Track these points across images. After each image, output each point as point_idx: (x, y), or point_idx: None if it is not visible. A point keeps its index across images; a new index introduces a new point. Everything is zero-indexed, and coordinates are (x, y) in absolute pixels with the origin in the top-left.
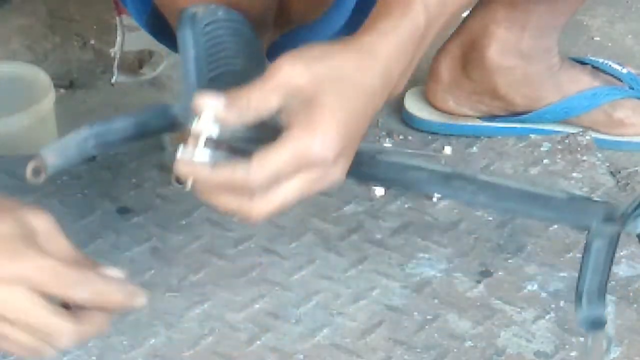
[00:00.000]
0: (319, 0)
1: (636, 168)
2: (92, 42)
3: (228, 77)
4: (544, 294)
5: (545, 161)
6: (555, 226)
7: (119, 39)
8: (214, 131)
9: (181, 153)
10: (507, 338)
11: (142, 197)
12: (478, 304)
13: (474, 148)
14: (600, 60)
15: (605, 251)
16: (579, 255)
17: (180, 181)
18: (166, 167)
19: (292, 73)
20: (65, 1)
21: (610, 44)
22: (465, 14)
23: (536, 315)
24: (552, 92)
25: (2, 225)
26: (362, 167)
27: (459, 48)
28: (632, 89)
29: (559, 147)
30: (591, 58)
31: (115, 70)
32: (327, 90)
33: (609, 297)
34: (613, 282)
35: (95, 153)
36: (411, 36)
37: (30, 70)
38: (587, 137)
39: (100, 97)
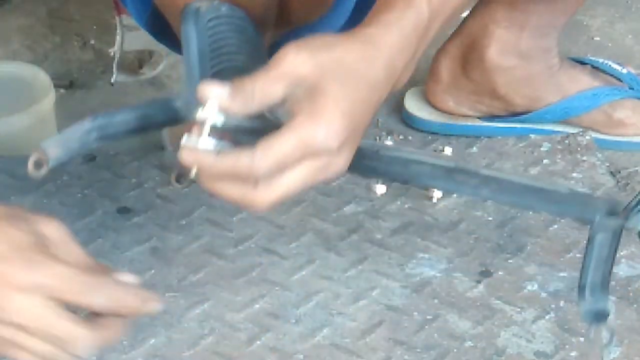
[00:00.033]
0: (319, 1)
1: (636, 168)
2: (92, 42)
3: (230, 73)
4: (544, 294)
5: (545, 161)
6: (555, 226)
7: (118, 38)
8: (218, 120)
9: (185, 141)
10: (507, 338)
11: (142, 197)
12: (478, 304)
13: (474, 148)
14: (600, 60)
15: (608, 245)
16: (579, 255)
17: (179, 181)
18: (166, 167)
19: (297, 62)
20: (65, 1)
21: (610, 44)
22: (465, 14)
23: (536, 315)
24: (552, 92)
25: (17, 234)
26: (365, 161)
27: (458, 48)
28: (632, 89)
29: (559, 147)
30: (591, 58)
31: (114, 70)
32: (331, 80)
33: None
34: (613, 282)
35: (98, 145)
36: (415, 28)
37: (30, 70)
38: (587, 137)
39: (100, 97)
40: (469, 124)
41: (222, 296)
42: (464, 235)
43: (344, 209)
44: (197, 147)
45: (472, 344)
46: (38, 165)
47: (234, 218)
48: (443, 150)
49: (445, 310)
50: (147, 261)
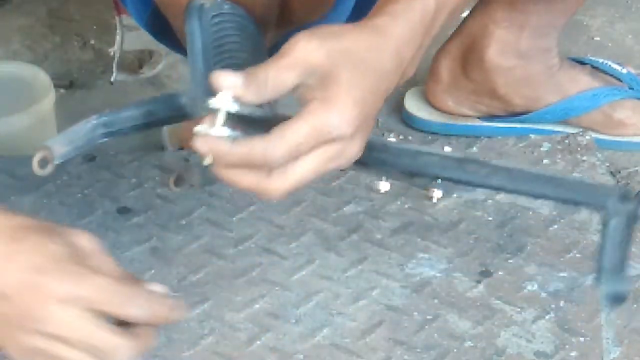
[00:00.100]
0: (320, 1)
1: (636, 168)
2: (92, 42)
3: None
4: (544, 294)
5: (545, 161)
6: (555, 226)
7: (118, 38)
8: (232, 109)
9: (200, 129)
10: (507, 338)
11: (142, 197)
12: (478, 304)
13: (474, 148)
14: (600, 60)
15: (622, 229)
16: (579, 256)
17: (178, 185)
18: (166, 167)
19: (308, 50)
20: (65, 1)
21: (610, 44)
22: (465, 14)
23: (536, 315)
24: (551, 92)
25: (53, 246)
26: (373, 153)
27: (458, 48)
28: (632, 89)
29: (559, 147)
30: (591, 58)
31: (114, 69)
32: (343, 68)
33: None
34: None
35: (104, 141)
36: (422, 19)
37: (30, 70)
38: (587, 137)
39: (100, 97)
40: (469, 124)
41: (222, 296)
42: (464, 235)
43: (344, 209)
44: (212, 135)
45: (472, 344)
46: (43, 163)
47: (234, 218)
48: (443, 150)
49: (445, 310)
50: (147, 261)
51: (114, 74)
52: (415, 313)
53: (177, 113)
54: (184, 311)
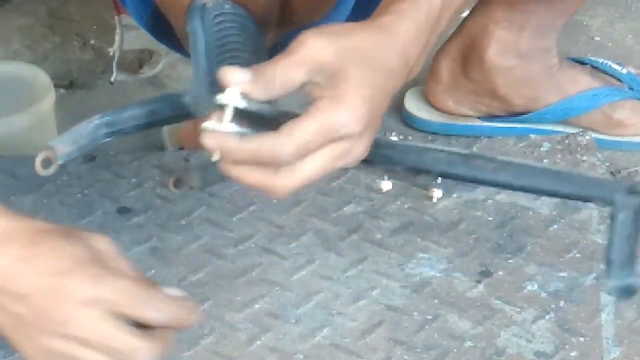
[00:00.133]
0: (322, 1)
1: (636, 168)
2: (92, 42)
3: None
4: (544, 294)
5: (545, 161)
6: (555, 226)
7: (118, 38)
8: (240, 105)
9: (208, 125)
10: (507, 338)
11: (142, 197)
12: (478, 304)
13: (474, 148)
14: (600, 61)
15: (630, 222)
16: (579, 256)
17: (177, 186)
18: (166, 167)
19: (317, 48)
20: (65, 1)
21: (610, 44)
22: (465, 14)
23: (536, 315)
24: (551, 92)
25: (75, 249)
26: (380, 150)
27: (458, 48)
28: (632, 89)
29: (559, 147)
30: (591, 58)
31: (114, 69)
32: (351, 66)
33: (608, 297)
34: None
35: (107, 140)
36: (427, 18)
37: (30, 70)
38: (587, 137)
39: (100, 97)
40: (469, 124)
41: (222, 296)
42: (464, 235)
43: (344, 209)
44: (221, 131)
45: (472, 344)
46: (46, 163)
47: (234, 218)
48: None
49: (445, 310)
50: (147, 261)
51: (114, 74)
52: (415, 313)
53: (180, 112)
54: (199, 314)
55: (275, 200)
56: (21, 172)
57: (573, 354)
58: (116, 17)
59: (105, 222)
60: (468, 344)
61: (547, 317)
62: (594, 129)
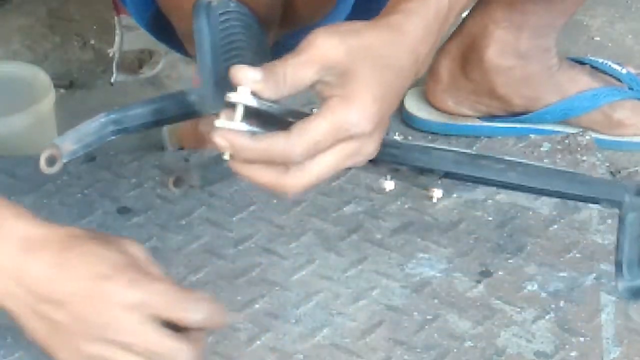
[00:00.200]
0: (324, 1)
1: (636, 168)
2: (92, 42)
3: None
4: (544, 294)
5: (545, 161)
6: (555, 226)
7: (117, 38)
8: (251, 104)
9: (219, 124)
10: (507, 338)
11: (142, 197)
12: (478, 304)
13: (474, 148)
14: (600, 61)
15: (639, 223)
16: (579, 256)
17: (177, 185)
18: (166, 167)
19: (327, 47)
20: (65, 1)
21: (610, 44)
22: (464, 14)
23: (536, 315)
24: (551, 92)
25: (112, 254)
26: (386, 149)
27: (458, 48)
28: (632, 89)
29: (559, 147)
30: (591, 58)
31: (114, 70)
32: (361, 65)
33: (608, 297)
34: (613, 283)
35: (113, 138)
36: (436, 17)
37: (30, 70)
38: (587, 137)
39: (100, 97)
40: (469, 124)
41: (222, 296)
42: (464, 235)
43: (344, 209)
44: (232, 129)
45: (472, 344)
46: (51, 161)
47: (234, 218)
48: None
49: (445, 310)
50: None
51: (114, 75)
52: (415, 313)
53: (186, 111)
54: (234, 315)
55: (275, 200)
56: (21, 172)
57: (573, 354)
58: (115, 18)
59: (105, 222)
60: (468, 344)
61: (547, 317)
62: (594, 129)
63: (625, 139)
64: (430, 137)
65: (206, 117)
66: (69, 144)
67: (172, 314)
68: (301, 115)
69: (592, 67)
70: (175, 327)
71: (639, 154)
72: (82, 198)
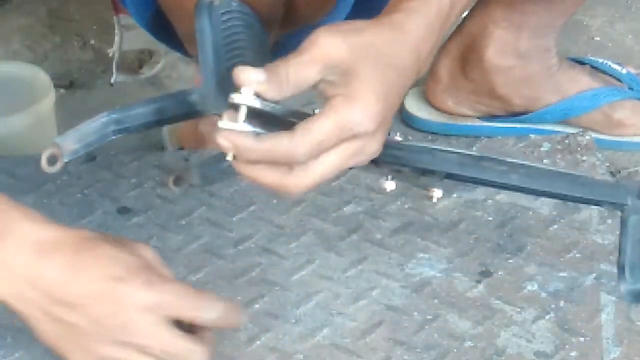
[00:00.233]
0: (325, 1)
1: (636, 168)
2: (92, 42)
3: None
4: (544, 294)
5: (545, 161)
6: (555, 226)
7: (117, 38)
8: (255, 105)
9: (222, 125)
10: (507, 338)
11: (142, 197)
12: (478, 304)
13: (474, 148)
14: (600, 61)
15: None
16: (579, 256)
17: (177, 184)
18: (166, 167)
19: (329, 46)
20: (65, 1)
21: (610, 44)
22: (464, 14)
23: (536, 315)
24: (551, 92)
25: (127, 257)
26: (389, 150)
27: (458, 48)
28: (632, 89)
29: (559, 147)
30: (591, 58)
31: (114, 70)
32: (364, 63)
33: (608, 297)
34: (613, 283)
35: (114, 138)
36: (437, 16)
37: (30, 70)
38: (587, 137)
39: (100, 97)
40: (469, 124)
41: (222, 296)
42: (464, 235)
43: (344, 209)
44: (236, 130)
45: (472, 344)
46: (52, 160)
47: (234, 218)
48: None
49: (445, 310)
50: None
51: (114, 76)
52: (415, 313)
53: (188, 110)
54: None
55: (275, 200)
56: (21, 172)
57: (573, 354)
58: (115, 18)
59: (105, 222)
60: (468, 344)
61: (547, 317)
62: (593, 129)
63: (625, 139)
64: (430, 137)
65: (206, 117)
66: (70, 143)
67: (186, 313)
68: (303, 116)
69: (592, 67)
70: (183, 328)
71: (639, 154)
72: (82, 198)
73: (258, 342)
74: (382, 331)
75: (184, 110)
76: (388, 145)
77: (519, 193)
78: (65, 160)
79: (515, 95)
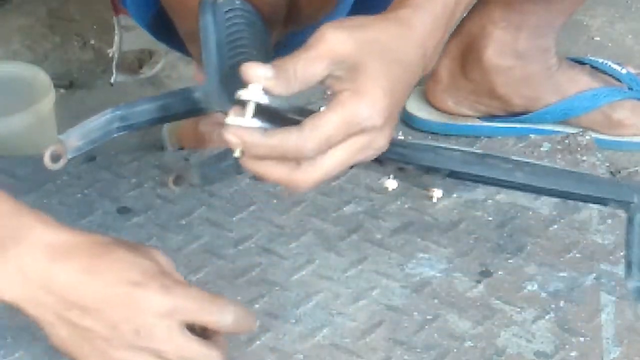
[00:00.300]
0: (326, 1)
1: (636, 168)
2: (92, 42)
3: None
4: (544, 294)
5: (545, 161)
6: (555, 226)
7: (116, 39)
8: (262, 101)
9: (230, 120)
10: (507, 338)
11: (142, 197)
12: (478, 304)
13: (474, 148)
14: (600, 61)
15: None
16: (579, 256)
17: (177, 183)
18: (166, 167)
19: (336, 41)
20: (65, 1)
21: (610, 44)
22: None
23: (536, 315)
24: (550, 92)
25: (142, 261)
26: (394, 147)
27: (457, 48)
28: (632, 89)
29: (559, 147)
30: (590, 58)
31: (114, 71)
32: (370, 58)
33: (608, 297)
34: (613, 283)
35: (119, 134)
36: (443, 12)
37: (30, 70)
38: (587, 137)
39: (100, 97)
40: (469, 124)
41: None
42: (464, 235)
43: (344, 209)
44: (244, 126)
45: (472, 344)
46: (55, 158)
47: (234, 218)
48: None
49: (445, 310)
50: None
51: (114, 76)
52: (415, 313)
53: (192, 107)
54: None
55: (275, 200)
56: (21, 172)
57: (573, 354)
58: (114, 18)
59: (105, 222)
60: (468, 344)
61: (547, 317)
62: (593, 129)
63: (625, 139)
64: (430, 138)
65: (206, 117)
66: (74, 140)
67: (202, 318)
68: (309, 113)
69: (592, 67)
70: (195, 333)
71: (639, 154)
72: (82, 198)
73: (258, 342)
74: (382, 331)
75: (188, 108)
76: (392, 143)
77: (519, 193)
78: (69, 157)
79: (515, 95)
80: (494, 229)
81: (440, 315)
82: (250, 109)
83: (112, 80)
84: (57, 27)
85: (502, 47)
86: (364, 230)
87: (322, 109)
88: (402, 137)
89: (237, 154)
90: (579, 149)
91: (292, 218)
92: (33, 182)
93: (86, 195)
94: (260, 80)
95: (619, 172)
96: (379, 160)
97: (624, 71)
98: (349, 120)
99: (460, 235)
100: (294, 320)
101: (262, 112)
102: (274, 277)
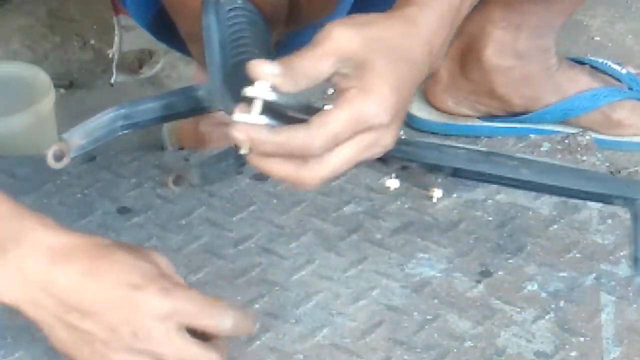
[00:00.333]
0: (327, 1)
1: (636, 168)
2: (92, 42)
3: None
4: (544, 294)
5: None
6: (555, 226)
7: (116, 39)
8: (270, 98)
9: (237, 117)
10: (507, 338)
11: (142, 197)
12: (478, 304)
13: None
14: (600, 61)
15: None
16: (579, 256)
17: (177, 183)
18: (166, 167)
19: (343, 39)
20: (65, 1)
21: (610, 44)
22: None
23: (536, 315)
24: (550, 92)
25: (142, 264)
26: (399, 145)
27: (457, 48)
28: (632, 89)
29: (559, 147)
30: (590, 58)
31: (114, 71)
32: (377, 56)
33: (608, 297)
34: (613, 283)
35: (123, 133)
36: (449, 9)
37: (30, 70)
38: (587, 137)
39: (100, 97)
40: (469, 124)
41: (222, 296)
42: (464, 235)
43: (344, 209)
44: (251, 123)
45: (472, 344)
46: (58, 157)
47: (234, 218)
48: None
49: (445, 310)
50: None
51: (114, 76)
52: (415, 313)
53: (195, 106)
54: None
55: (275, 200)
56: (21, 172)
57: (573, 354)
58: (114, 18)
59: (105, 222)
60: (468, 344)
61: (547, 317)
62: (593, 129)
63: (625, 139)
64: (430, 138)
65: (206, 117)
66: (77, 139)
67: (202, 321)
68: (315, 110)
69: (592, 67)
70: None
71: (639, 154)
72: (82, 198)
73: (258, 342)
74: (382, 331)
75: (191, 106)
76: (397, 141)
77: (519, 193)
78: (73, 156)
79: (514, 95)
80: (494, 229)
81: (440, 315)
82: (257, 106)
83: (112, 80)
84: (57, 27)
85: (502, 47)
86: (364, 230)
87: (326, 107)
88: (402, 137)
89: (243, 151)
90: (579, 149)
91: (292, 218)
92: (33, 182)
93: (86, 195)
94: (267, 78)
95: (619, 172)
96: (383, 159)
97: (624, 71)
98: (357, 118)
99: (460, 235)
100: (294, 320)
101: (268, 109)
102: (274, 277)
